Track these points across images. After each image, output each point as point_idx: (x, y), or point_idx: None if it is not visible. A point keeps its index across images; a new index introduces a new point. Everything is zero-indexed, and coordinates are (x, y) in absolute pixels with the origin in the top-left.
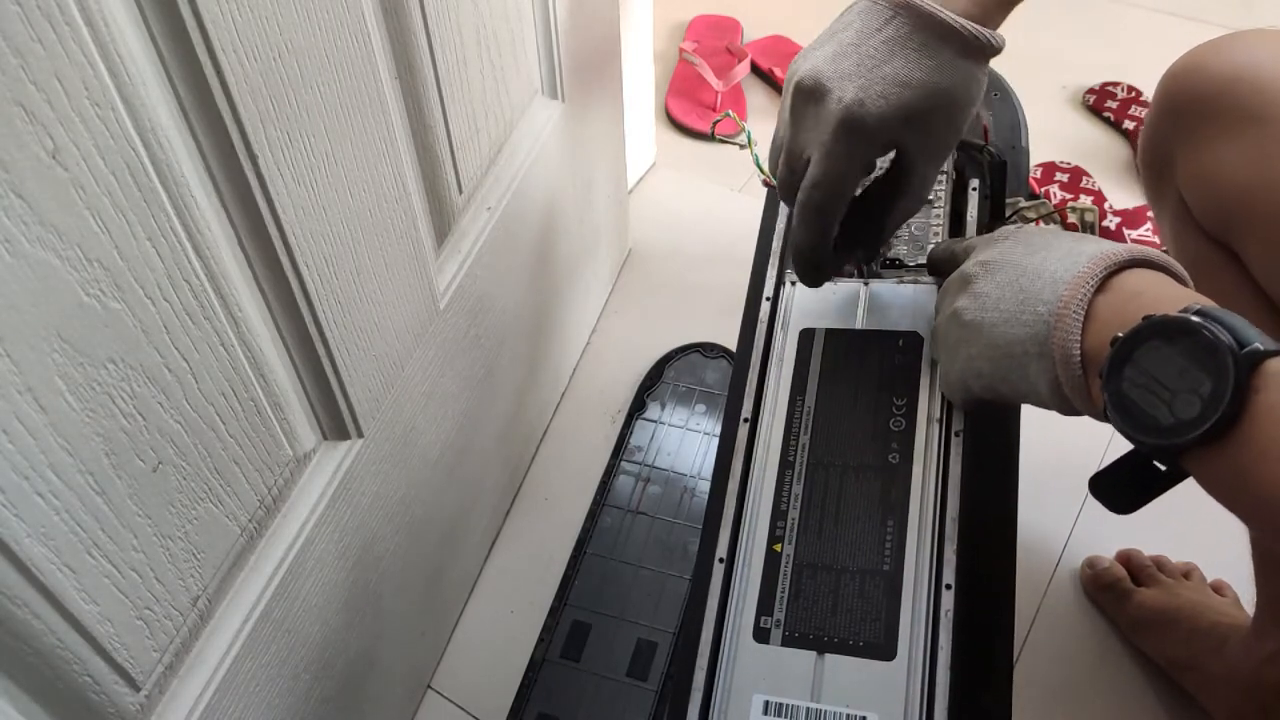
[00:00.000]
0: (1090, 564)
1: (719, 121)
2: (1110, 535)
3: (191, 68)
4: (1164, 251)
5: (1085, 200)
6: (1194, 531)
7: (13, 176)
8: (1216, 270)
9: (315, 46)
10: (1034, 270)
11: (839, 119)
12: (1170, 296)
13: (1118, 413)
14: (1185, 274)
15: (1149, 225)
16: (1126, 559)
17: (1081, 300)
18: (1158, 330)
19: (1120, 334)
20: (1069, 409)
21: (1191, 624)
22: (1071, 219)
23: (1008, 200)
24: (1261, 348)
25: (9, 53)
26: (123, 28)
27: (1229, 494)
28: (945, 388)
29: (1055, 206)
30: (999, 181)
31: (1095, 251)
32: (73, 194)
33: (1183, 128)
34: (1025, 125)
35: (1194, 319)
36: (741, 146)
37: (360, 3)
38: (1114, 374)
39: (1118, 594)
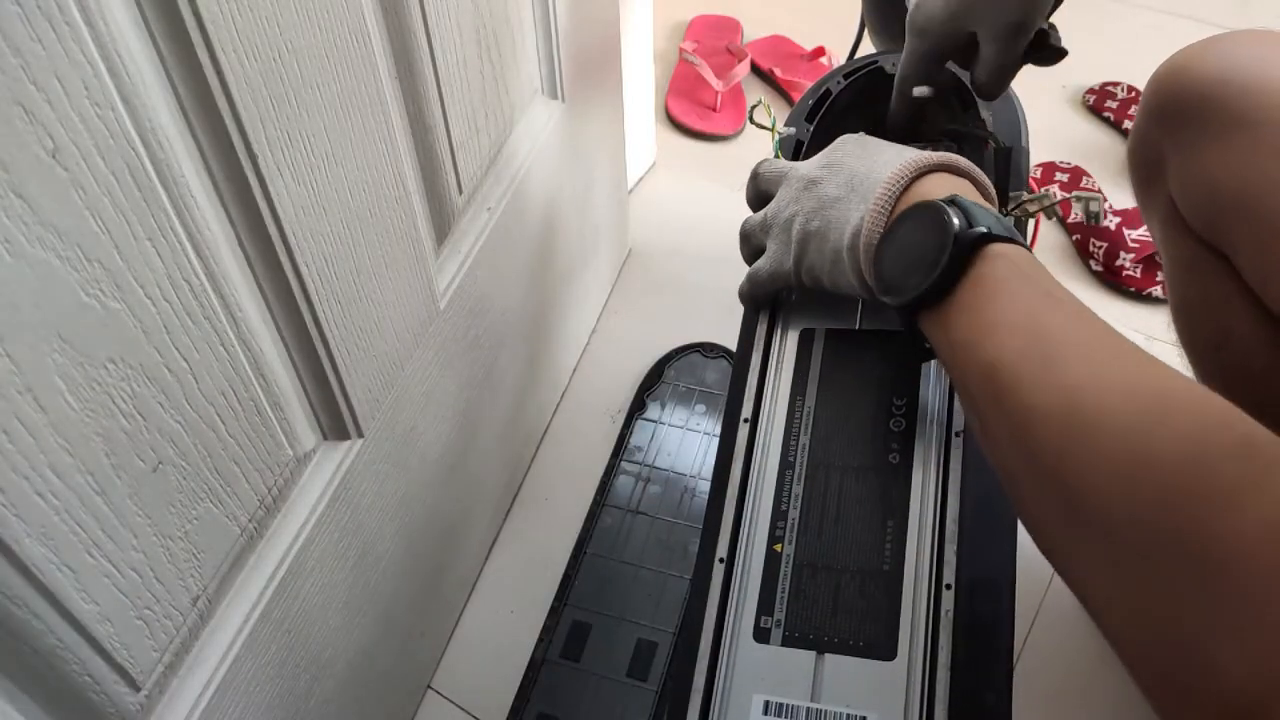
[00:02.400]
0: None
1: (755, 107)
2: None
3: (191, 68)
4: (1155, 254)
5: (1089, 187)
6: None
7: (13, 176)
8: (1208, 271)
9: (315, 46)
10: (863, 174)
11: (908, 24)
12: (954, 192)
13: (878, 282)
14: (986, 181)
15: None
16: None
17: (887, 200)
18: (913, 212)
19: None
20: (873, 296)
21: None
22: (1076, 209)
23: (1010, 194)
24: (985, 229)
25: (9, 53)
26: (123, 28)
27: (941, 351)
28: (768, 275)
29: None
30: (1004, 169)
31: (909, 158)
32: (73, 194)
33: (1171, 131)
34: (1025, 125)
35: (940, 203)
36: (775, 133)
37: (360, 3)
38: (879, 250)
39: None
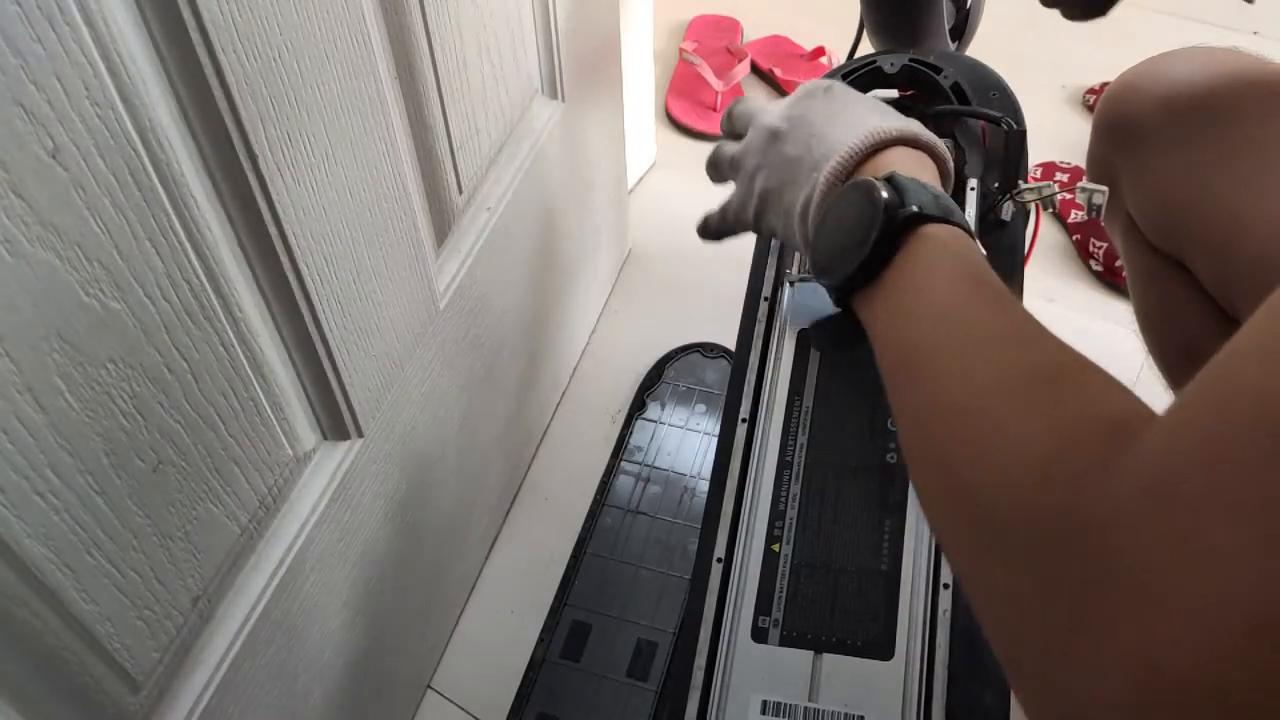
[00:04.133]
0: None
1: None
2: None
3: (191, 68)
4: (1118, 264)
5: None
6: None
7: (13, 176)
8: (1167, 279)
9: (315, 46)
10: (820, 136)
11: None
12: (906, 168)
13: (812, 258)
14: (946, 155)
15: None
16: None
17: (838, 176)
18: (848, 191)
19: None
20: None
21: None
22: (1079, 199)
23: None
24: (917, 209)
25: (9, 53)
26: (123, 28)
27: (870, 333)
28: (733, 217)
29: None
30: (1015, 151)
31: (870, 127)
32: (73, 194)
33: (1123, 148)
34: (1023, 118)
35: (875, 180)
36: None
37: (360, 3)
38: (817, 226)
39: None
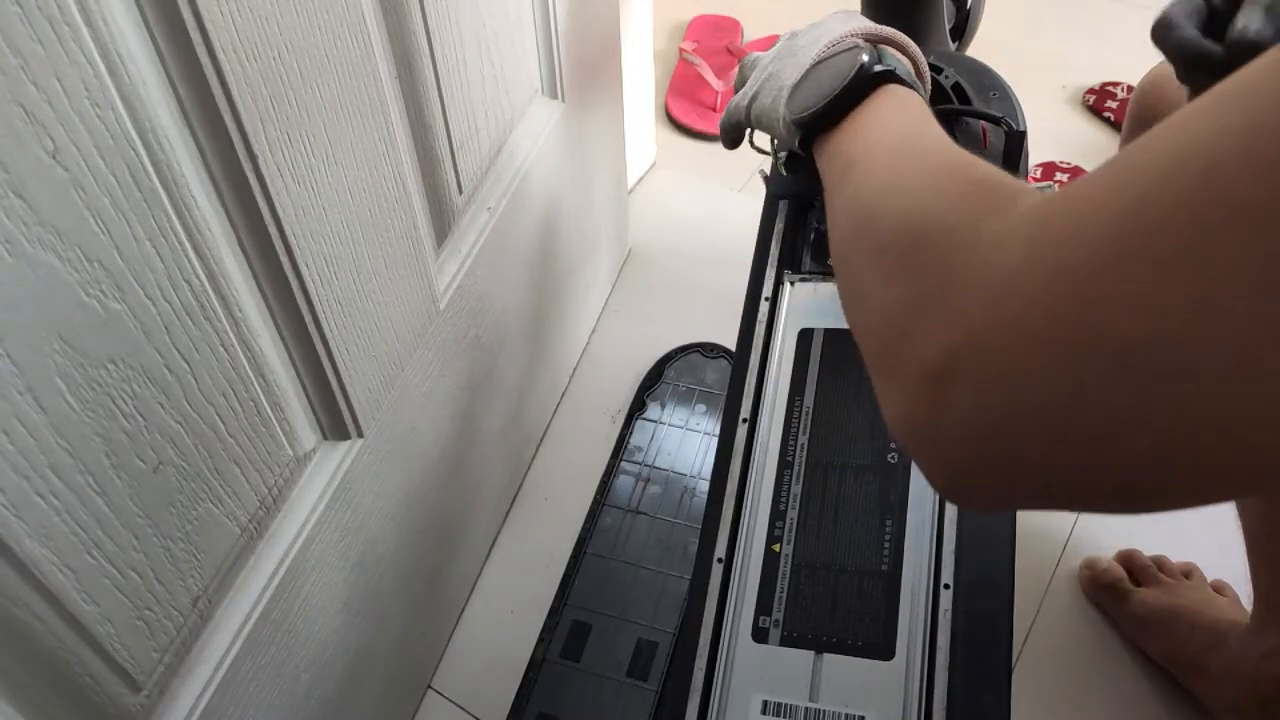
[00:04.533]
0: (1089, 565)
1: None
2: (1109, 535)
3: (191, 68)
4: None
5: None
6: (1193, 532)
7: (13, 176)
8: None
9: (315, 46)
10: (829, 29)
11: None
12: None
13: (788, 105)
14: (923, 59)
15: None
16: (1126, 559)
17: (832, 45)
18: (840, 50)
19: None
20: (792, 140)
21: (1191, 622)
22: None
23: None
24: (889, 68)
25: (9, 53)
26: (123, 28)
27: (823, 168)
28: (732, 106)
29: (1062, 185)
30: (1015, 151)
31: (865, 25)
32: (73, 194)
33: None
34: (1023, 117)
35: (861, 44)
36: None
37: (360, 3)
38: (802, 78)
39: (1117, 594)
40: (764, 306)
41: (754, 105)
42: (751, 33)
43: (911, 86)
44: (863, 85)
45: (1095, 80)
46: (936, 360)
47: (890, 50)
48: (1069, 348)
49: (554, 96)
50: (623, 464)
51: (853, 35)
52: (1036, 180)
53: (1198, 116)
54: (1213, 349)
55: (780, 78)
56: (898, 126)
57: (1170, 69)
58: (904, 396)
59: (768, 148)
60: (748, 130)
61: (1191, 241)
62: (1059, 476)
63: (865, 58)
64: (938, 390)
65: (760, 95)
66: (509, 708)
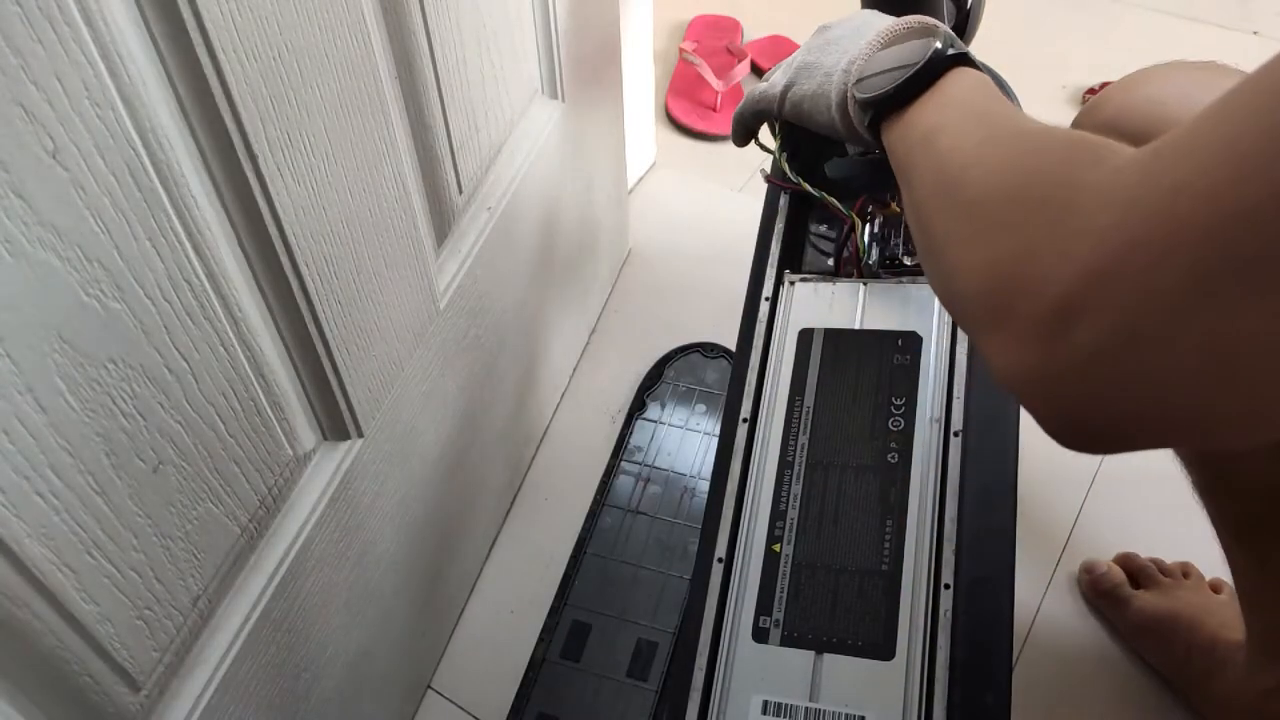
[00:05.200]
0: (1088, 569)
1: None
2: (1109, 536)
3: (191, 68)
4: None
5: None
6: (1193, 532)
7: (13, 176)
8: None
9: (315, 46)
10: (870, 22)
11: None
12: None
13: (857, 88)
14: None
15: None
16: (1125, 561)
17: (888, 34)
18: (912, 32)
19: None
20: (840, 126)
21: (1190, 637)
22: None
23: None
24: (964, 51)
25: (9, 53)
26: (123, 28)
27: (895, 150)
28: (759, 94)
29: None
30: None
31: (915, 17)
32: (73, 194)
33: None
34: None
35: (931, 25)
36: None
37: (360, 3)
38: (867, 60)
39: (1116, 599)
40: (764, 306)
41: (791, 93)
42: (751, 33)
43: (981, 69)
44: (939, 64)
45: (1095, 80)
46: (1059, 298)
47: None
48: (1200, 262)
49: (554, 96)
50: (623, 464)
51: (907, 25)
52: None
53: None
54: None
55: (821, 64)
56: (979, 99)
57: (1117, 104)
58: (1021, 344)
59: (772, 146)
60: (775, 123)
61: None
62: (1186, 405)
63: (939, 42)
64: (1062, 329)
65: (799, 83)
66: (509, 708)
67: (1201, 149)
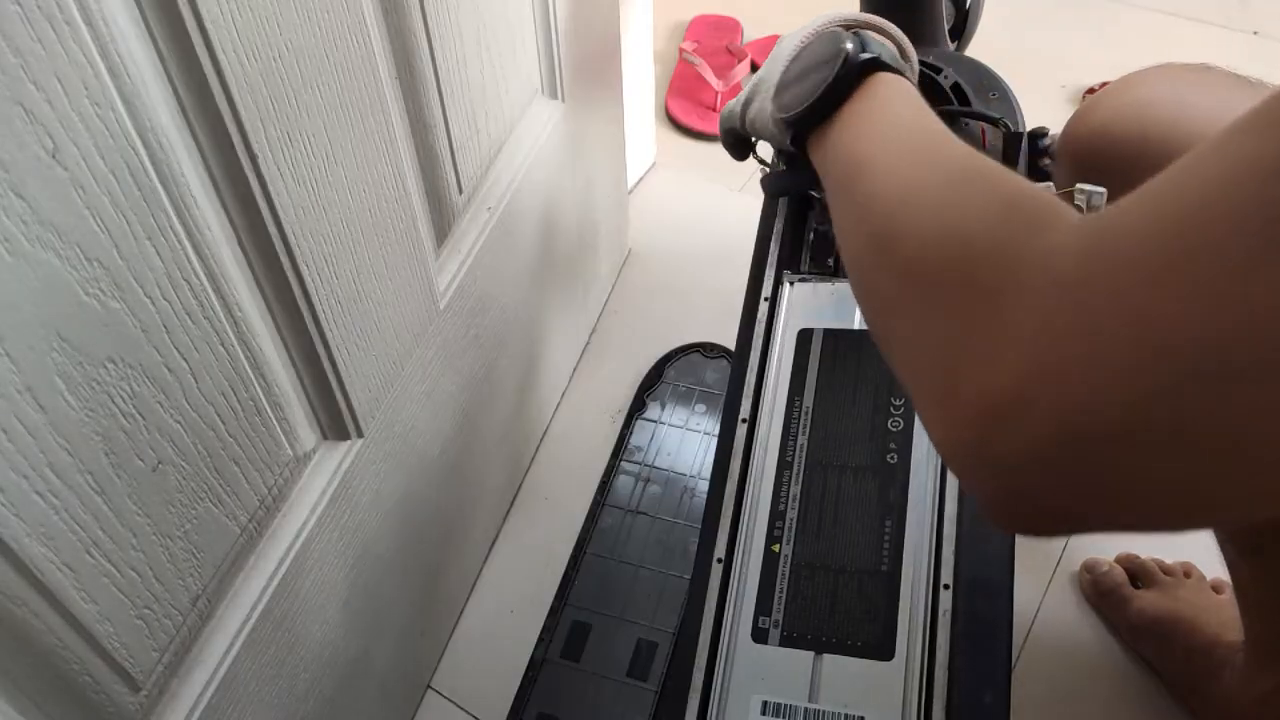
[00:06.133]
0: (1089, 568)
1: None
2: (1109, 536)
3: (191, 68)
4: None
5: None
6: (1195, 533)
7: (13, 176)
8: None
9: (315, 46)
10: (806, 31)
11: None
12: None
13: (775, 101)
14: (905, 40)
15: None
16: (1127, 560)
17: (781, 69)
18: (821, 37)
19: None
20: (779, 138)
21: (1189, 638)
22: (1079, 200)
23: None
24: (873, 56)
25: (9, 53)
26: (123, 28)
27: (821, 169)
28: (726, 113)
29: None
30: (1013, 152)
31: (844, 13)
32: (72, 193)
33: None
34: (1022, 117)
35: (839, 29)
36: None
37: (360, 3)
38: (785, 72)
39: (1117, 600)
40: (763, 306)
41: (748, 111)
42: (751, 33)
43: (899, 72)
44: (850, 75)
45: (1095, 80)
46: (998, 390)
47: (872, 35)
48: (1142, 359)
49: (554, 96)
50: (623, 464)
51: (830, 24)
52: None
53: (1249, 131)
54: None
55: (767, 80)
56: (898, 123)
57: (1107, 107)
58: (962, 427)
59: (769, 160)
60: (754, 140)
61: (1270, 238)
62: (1129, 494)
63: (849, 45)
64: (1001, 418)
65: (753, 100)
66: (509, 708)
67: (1151, 234)
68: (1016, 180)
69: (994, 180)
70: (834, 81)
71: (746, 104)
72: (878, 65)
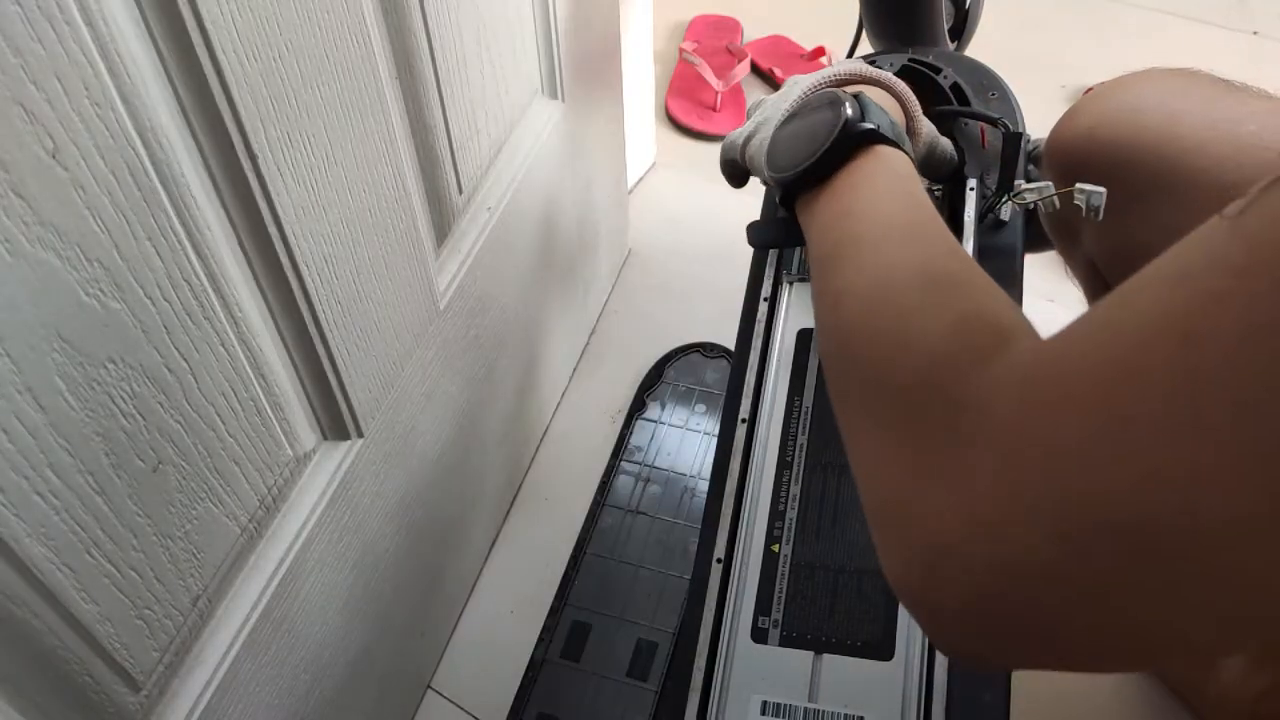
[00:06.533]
0: None
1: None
2: None
3: (191, 68)
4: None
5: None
6: None
7: (13, 176)
8: None
9: (315, 46)
10: (810, 77)
11: None
12: (873, 99)
13: (768, 159)
14: (907, 93)
15: None
16: None
17: (812, 90)
18: (821, 98)
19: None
20: (772, 191)
21: None
22: (1078, 199)
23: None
24: (874, 126)
25: (9, 53)
26: (123, 28)
27: (808, 236)
28: (727, 143)
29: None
30: (1012, 152)
31: (848, 66)
32: (73, 194)
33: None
34: (1022, 118)
35: (843, 95)
36: None
37: (360, 3)
38: (778, 130)
39: None
40: (763, 306)
41: (749, 146)
42: (751, 33)
43: (898, 143)
44: (846, 146)
45: (1095, 80)
46: (938, 533)
47: (876, 102)
48: (1067, 527)
49: (554, 96)
50: (623, 464)
51: (836, 78)
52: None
53: (1163, 283)
54: (1211, 516)
55: (773, 120)
56: (882, 207)
57: (1095, 112)
58: (905, 562)
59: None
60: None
61: (1175, 411)
62: (1060, 645)
63: (849, 112)
64: (939, 562)
65: (754, 137)
66: (509, 708)
67: (1068, 385)
68: (983, 290)
69: (961, 290)
70: (828, 150)
71: (748, 139)
72: (875, 138)
